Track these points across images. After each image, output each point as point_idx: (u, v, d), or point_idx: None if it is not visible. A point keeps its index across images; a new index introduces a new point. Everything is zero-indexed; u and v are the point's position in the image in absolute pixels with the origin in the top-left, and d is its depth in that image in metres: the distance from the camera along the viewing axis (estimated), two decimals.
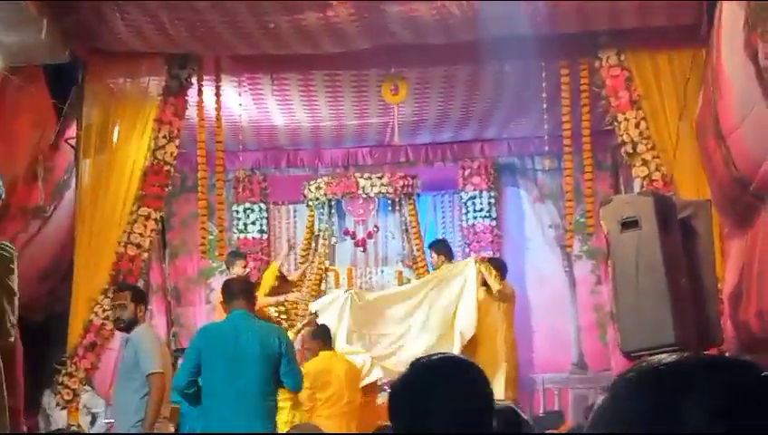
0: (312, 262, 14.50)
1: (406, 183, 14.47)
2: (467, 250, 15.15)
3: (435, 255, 13.19)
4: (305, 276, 14.13)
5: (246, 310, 8.13)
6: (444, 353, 3.20)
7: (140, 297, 9.13)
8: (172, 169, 11.40)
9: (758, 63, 7.11)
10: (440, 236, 14.70)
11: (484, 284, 12.11)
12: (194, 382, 7.89)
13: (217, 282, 14.89)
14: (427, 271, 14.03)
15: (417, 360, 2.94)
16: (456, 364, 2.97)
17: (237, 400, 7.67)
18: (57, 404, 11.19)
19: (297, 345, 10.79)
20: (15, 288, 7.04)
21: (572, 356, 15.06)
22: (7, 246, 7.20)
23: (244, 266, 13.11)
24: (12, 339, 7.17)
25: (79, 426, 11.36)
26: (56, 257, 11.83)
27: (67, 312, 10.95)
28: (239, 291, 8.27)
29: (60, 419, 11.79)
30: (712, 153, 9.01)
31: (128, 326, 8.79)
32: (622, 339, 8.56)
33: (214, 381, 7.78)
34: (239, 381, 7.72)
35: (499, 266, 12.49)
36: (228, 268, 13.25)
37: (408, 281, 14.39)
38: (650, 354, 8.48)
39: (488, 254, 14.61)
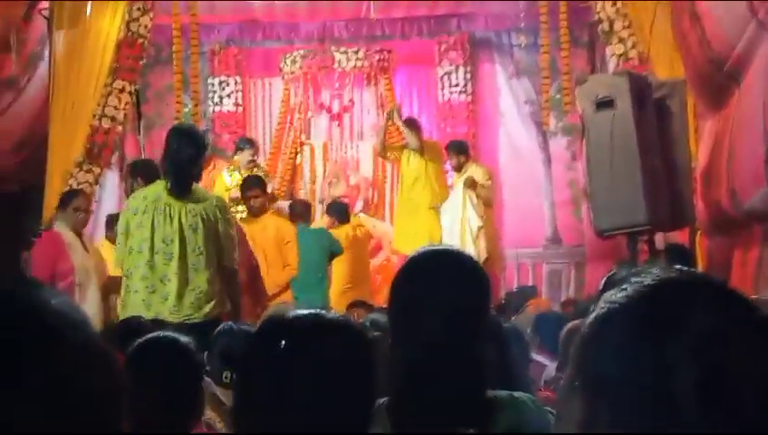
0: (288, 136, 14.51)
1: (381, 57, 14.42)
2: (443, 125, 15.15)
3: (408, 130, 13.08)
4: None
5: (305, 223, 11.48)
6: (448, 247, 3.14)
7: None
8: (146, 42, 11.32)
9: None
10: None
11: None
12: None
13: None
14: (405, 146, 13.95)
15: (422, 249, 2.90)
16: (456, 260, 2.81)
17: (307, 271, 10.55)
18: None
19: None
20: None
21: (546, 231, 15.15)
22: None
23: (253, 154, 12.71)
24: None
25: None
26: (30, 129, 11.75)
27: (41, 183, 10.93)
28: (300, 212, 11.58)
29: None
30: (687, 33, 8.99)
31: None
32: (595, 218, 8.65)
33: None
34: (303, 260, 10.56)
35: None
36: (236, 153, 12.69)
37: None
38: (623, 234, 8.60)
39: (463, 131, 14.66)
